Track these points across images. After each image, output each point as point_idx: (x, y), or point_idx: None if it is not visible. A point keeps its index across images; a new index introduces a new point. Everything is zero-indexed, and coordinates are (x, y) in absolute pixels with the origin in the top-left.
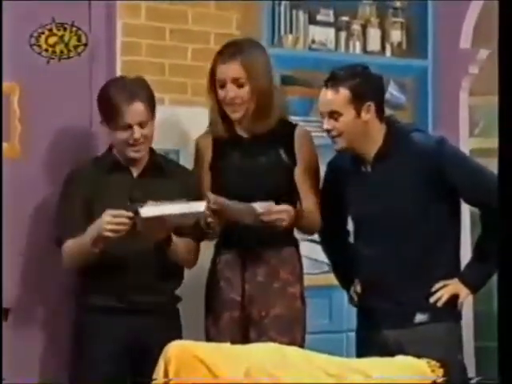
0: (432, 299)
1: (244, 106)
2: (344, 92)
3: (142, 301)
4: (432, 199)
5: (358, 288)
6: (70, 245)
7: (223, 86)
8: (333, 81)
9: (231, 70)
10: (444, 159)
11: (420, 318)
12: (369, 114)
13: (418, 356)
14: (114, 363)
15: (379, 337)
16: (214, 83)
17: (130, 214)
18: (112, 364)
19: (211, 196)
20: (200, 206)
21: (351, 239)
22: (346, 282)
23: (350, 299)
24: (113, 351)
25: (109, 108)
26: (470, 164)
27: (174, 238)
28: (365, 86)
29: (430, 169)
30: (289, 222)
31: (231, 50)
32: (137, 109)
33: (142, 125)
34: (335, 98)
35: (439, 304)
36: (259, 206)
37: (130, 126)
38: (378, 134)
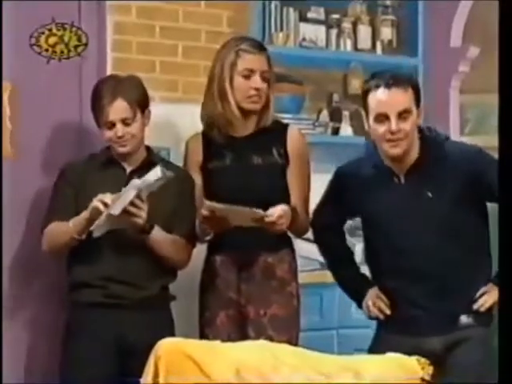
0: (475, 305)
1: (263, 98)
2: (411, 91)
3: (128, 295)
4: (469, 206)
5: (380, 301)
6: (53, 227)
7: (248, 76)
8: (396, 80)
9: (261, 62)
10: (487, 166)
11: (465, 320)
12: (419, 118)
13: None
14: (103, 361)
15: (424, 344)
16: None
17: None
18: (100, 362)
19: (205, 202)
20: None
21: (347, 243)
22: (357, 294)
23: (368, 311)
24: (101, 349)
25: (94, 105)
26: None
27: (159, 231)
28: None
29: (471, 176)
30: (287, 223)
31: (254, 42)
32: (118, 106)
33: (125, 122)
34: (405, 96)
35: (482, 309)
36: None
37: (113, 124)
38: (416, 142)
